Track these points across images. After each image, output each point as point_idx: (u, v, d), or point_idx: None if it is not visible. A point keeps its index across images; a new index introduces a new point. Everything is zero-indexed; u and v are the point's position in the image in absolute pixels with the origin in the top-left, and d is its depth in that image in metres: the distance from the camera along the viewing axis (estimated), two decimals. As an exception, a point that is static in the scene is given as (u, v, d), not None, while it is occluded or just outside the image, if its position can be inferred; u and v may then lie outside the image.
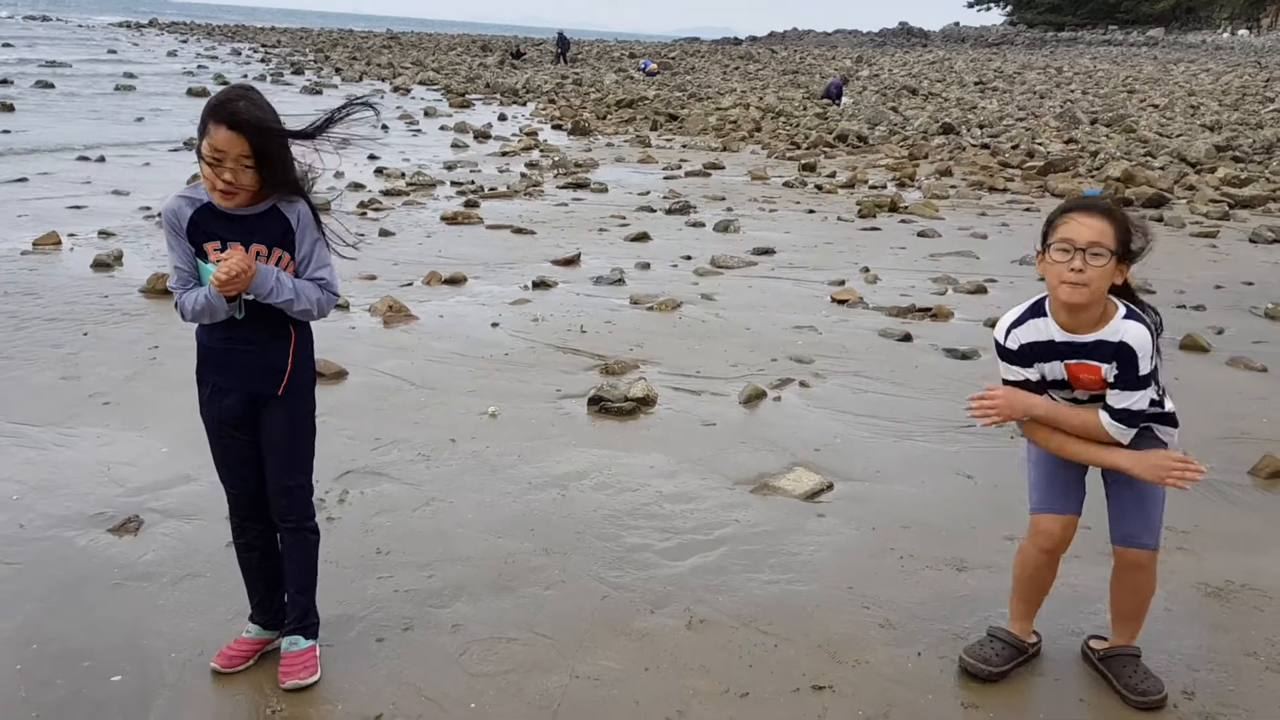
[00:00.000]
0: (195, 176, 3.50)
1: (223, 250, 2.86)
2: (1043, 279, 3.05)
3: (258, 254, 2.86)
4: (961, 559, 4.07)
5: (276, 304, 2.90)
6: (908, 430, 5.47)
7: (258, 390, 3.01)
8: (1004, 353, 3.11)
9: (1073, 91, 33.93)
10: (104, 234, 9.64)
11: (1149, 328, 2.96)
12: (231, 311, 2.91)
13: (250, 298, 2.89)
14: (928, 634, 3.53)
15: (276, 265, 2.90)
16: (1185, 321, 7.77)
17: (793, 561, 4.02)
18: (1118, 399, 2.98)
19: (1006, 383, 3.13)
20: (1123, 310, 2.98)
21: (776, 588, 3.82)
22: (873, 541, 4.21)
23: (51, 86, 24.97)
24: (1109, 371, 2.97)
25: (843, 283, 8.83)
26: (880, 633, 3.53)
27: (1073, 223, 2.92)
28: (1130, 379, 2.95)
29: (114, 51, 42.79)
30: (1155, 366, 2.99)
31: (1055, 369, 3.07)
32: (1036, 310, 3.08)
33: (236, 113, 2.72)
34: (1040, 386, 3.10)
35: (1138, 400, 2.96)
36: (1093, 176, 16.07)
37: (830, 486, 4.72)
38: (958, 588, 3.86)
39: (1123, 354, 2.94)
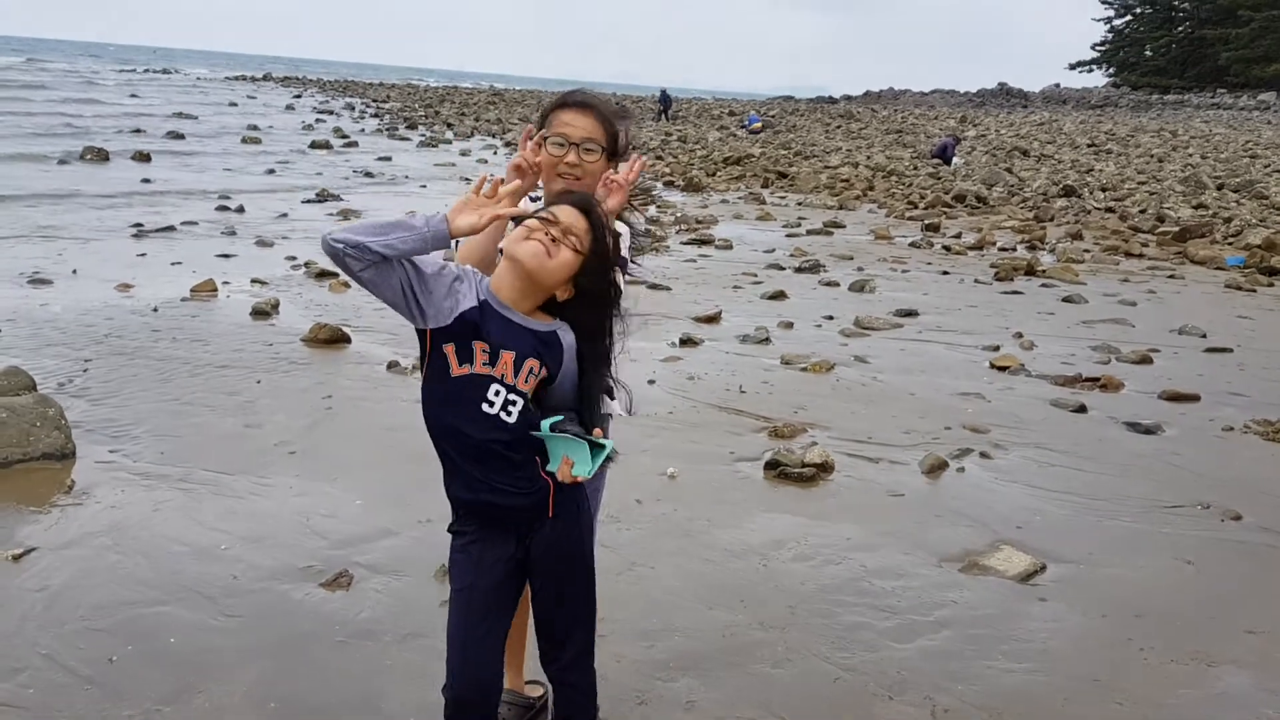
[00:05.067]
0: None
1: (491, 356, 2.45)
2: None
3: (530, 370, 2.48)
4: (1207, 653, 3.83)
5: None
6: (1110, 509, 5.23)
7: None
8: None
9: (1190, 155, 33.11)
10: (257, 282, 9.85)
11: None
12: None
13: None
14: (1194, 735, 3.31)
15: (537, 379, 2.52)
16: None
17: (1027, 649, 3.82)
18: None
19: None
20: None
21: (1017, 677, 3.63)
22: (1106, 630, 3.99)
23: (182, 137, 25.95)
24: None
25: (997, 348, 8.59)
26: (1143, 732, 3.32)
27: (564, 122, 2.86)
28: None
29: (235, 104, 44.40)
30: None
31: None
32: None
33: (583, 201, 2.54)
34: None
35: None
36: (1230, 244, 15.56)
37: (1044, 568, 4.51)
38: (1212, 684, 3.63)
39: None
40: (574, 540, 2.65)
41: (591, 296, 2.53)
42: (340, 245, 2.32)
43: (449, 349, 2.44)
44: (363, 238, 2.32)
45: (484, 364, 2.44)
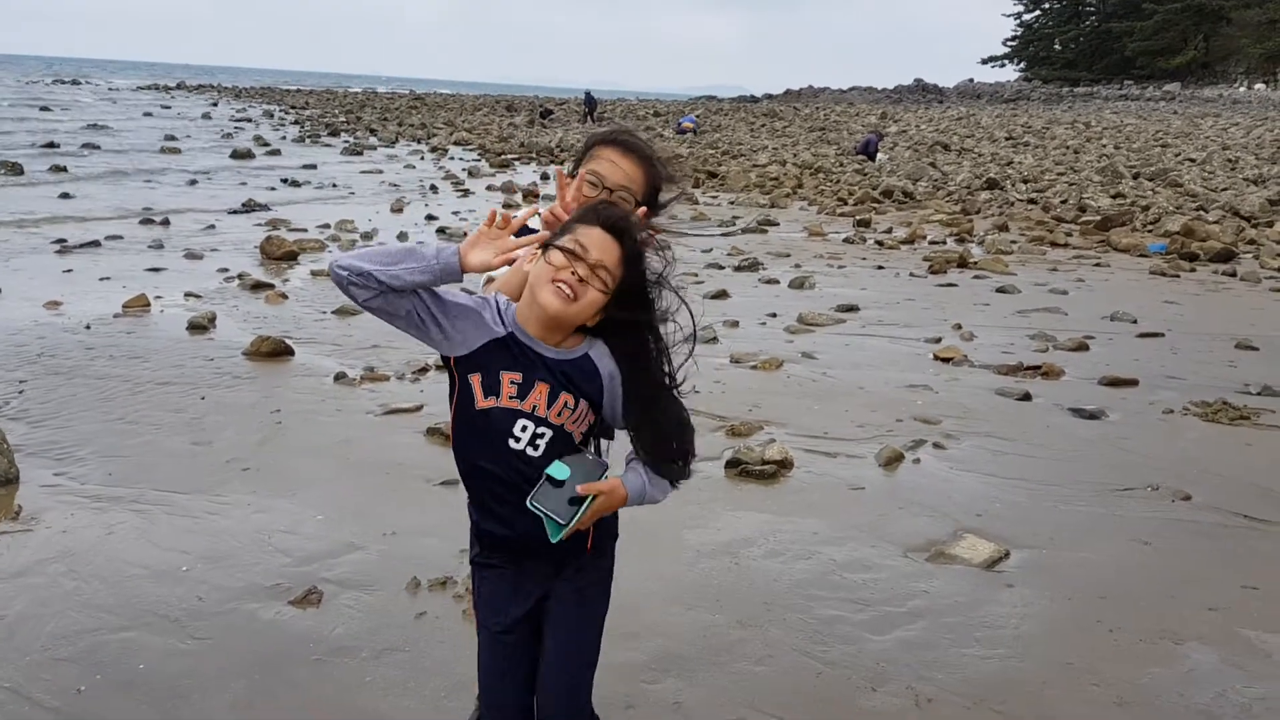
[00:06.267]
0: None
1: (521, 389, 2.30)
2: None
3: (565, 404, 2.32)
4: (1173, 631, 3.93)
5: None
6: (1065, 494, 5.34)
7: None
8: None
9: (1104, 146, 34.00)
10: (190, 295, 9.62)
11: None
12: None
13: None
14: (1170, 713, 3.41)
15: (574, 412, 2.36)
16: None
17: (1001, 635, 3.89)
18: None
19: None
20: None
21: (994, 664, 3.69)
22: (1075, 613, 4.07)
23: (98, 148, 25.28)
24: None
25: (939, 340, 8.72)
26: (1120, 713, 3.40)
27: (605, 160, 2.65)
28: None
29: (150, 114, 43.36)
30: None
31: None
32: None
33: (618, 222, 2.33)
34: None
35: None
36: (1150, 230, 16.01)
37: (1007, 554, 4.59)
38: (1180, 662, 3.73)
39: None
40: (601, 578, 2.54)
41: (622, 324, 2.35)
42: (345, 273, 2.19)
43: (474, 379, 2.30)
44: (368, 265, 2.19)
45: (511, 397, 2.29)
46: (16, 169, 19.15)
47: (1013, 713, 3.37)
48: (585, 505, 2.29)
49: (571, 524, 2.28)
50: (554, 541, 2.30)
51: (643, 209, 2.67)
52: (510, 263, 2.34)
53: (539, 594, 2.45)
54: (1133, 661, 3.71)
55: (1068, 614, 4.07)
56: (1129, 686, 3.54)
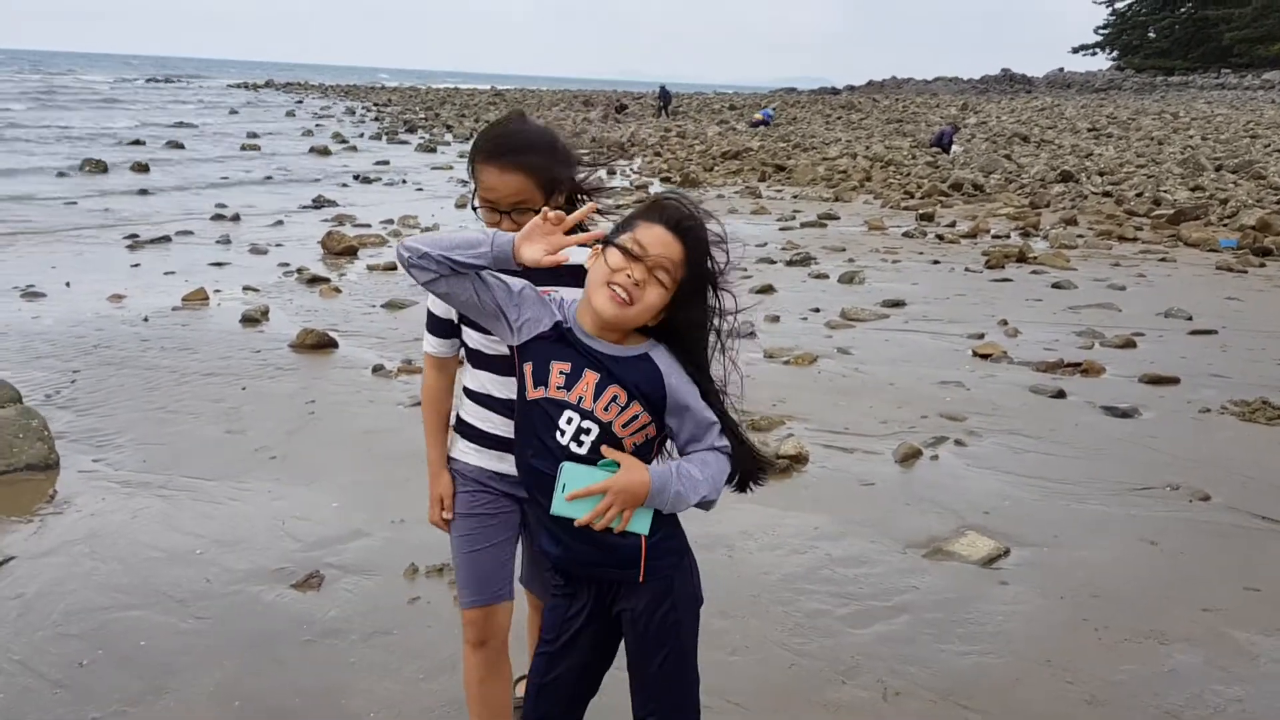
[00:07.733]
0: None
1: (569, 379, 2.27)
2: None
3: (614, 397, 2.25)
4: (1161, 631, 3.88)
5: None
6: (1079, 493, 5.28)
7: None
8: None
9: (1191, 137, 33.03)
10: (249, 289, 9.94)
11: None
12: None
13: None
14: (1139, 711, 3.37)
15: (624, 411, 2.26)
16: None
17: (982, 632, 3.88)
18: None
19: None
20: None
21: (970, 660, 3.69)
22: (1063, 611, 4.04)
23: (181, 147, 26.11)
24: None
25: (982, 336, 8.63)
26: (1088, 710, 3.38)
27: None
28: None
29: (235, 112, 44.61)
30: None
31: None
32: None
33: (683, 221, 2.24)
34: None
35: None
36: (1225, 225, 15.54)
37: (1007, 552, 4.57)
38: (1162, 662, 3.68)
39: None
40: (665, 614, 2.34)
41: (684, 326, 2.30)
42: (407, 254, 2.26)
43: (527, 368, 2.30)
44: (426, 248, 2.24)
45: (559, 387, 2.25)
46: (100, 166, 19.91)
47: (978, 707, 3.37)
48: (597, 471, 2.22)
49: (574, 489, 2.21)
50: (551, 513, 2.25)
51: (591, 205, 2.59)
52: (558, 260, 2.25)
53: (593, 618, 2.39)
54: (1113, 660, 3.68)
55: (1057, 612, 4.04)
56: (1103, 685, 3.51)
